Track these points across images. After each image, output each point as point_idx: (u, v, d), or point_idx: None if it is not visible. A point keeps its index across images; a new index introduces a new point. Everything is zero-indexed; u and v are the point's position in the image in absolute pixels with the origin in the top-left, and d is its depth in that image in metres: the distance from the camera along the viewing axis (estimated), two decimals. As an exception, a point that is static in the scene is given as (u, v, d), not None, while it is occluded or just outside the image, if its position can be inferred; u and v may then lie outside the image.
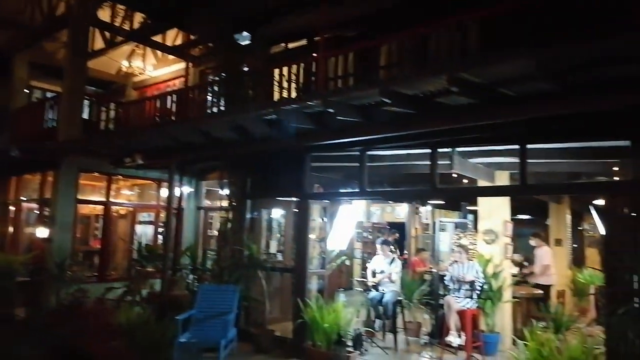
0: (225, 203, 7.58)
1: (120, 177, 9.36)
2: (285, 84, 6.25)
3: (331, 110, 4.63)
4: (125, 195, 10.49)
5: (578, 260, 10.16)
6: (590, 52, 3.59)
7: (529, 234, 13.68)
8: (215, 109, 6.66)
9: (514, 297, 6.97)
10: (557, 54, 3.57)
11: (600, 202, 7.00)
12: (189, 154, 7.07)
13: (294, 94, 5.94)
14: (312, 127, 5.35)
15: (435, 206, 11.86)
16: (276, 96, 6.38)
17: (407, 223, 12.04)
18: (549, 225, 9.80)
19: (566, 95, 4.05)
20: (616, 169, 6.15)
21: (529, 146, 5.08)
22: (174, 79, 11.29)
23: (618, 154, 5.24)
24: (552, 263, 7.88)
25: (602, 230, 5.64)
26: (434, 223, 8.87)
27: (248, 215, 7.31)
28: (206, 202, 10.07)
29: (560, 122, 4.56)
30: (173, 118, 7.45)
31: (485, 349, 6.25)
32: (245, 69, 7.45)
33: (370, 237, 12.35)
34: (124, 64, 11.41)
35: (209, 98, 7.23)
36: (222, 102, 6.85)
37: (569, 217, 9.72)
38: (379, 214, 15.18)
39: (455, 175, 7.21)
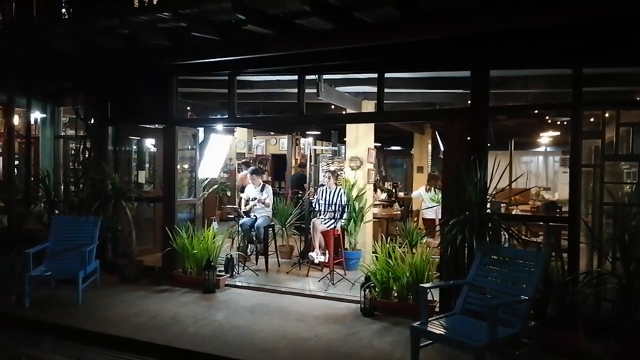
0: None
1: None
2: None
3: (184, 25, 4.33)
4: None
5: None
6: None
7: (400, 163, 14.94)
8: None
9: (375, 218, 7.61)
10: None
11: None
12: (27, 68, 6.20)
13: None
14: (168, 44, 5.00)
15: (316, 137, 12.20)
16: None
17: (288, 154, 12.32)
18: (413, 154, 10.69)
19: (414, 21, 4.25)
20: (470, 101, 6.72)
21: (387, 75, 5.36)
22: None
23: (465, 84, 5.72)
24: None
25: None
26: (314, 153, 9.16)
27: (110, 143, 6.82)
28: (71, 132, 9.12)
29: (415, 52, 4.82)
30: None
31: (348, 264, 6.83)
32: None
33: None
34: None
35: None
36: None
37: (430, 147, 10.68)
38: (263, 146, 15.27)
39: (333, 107, 7.39)
